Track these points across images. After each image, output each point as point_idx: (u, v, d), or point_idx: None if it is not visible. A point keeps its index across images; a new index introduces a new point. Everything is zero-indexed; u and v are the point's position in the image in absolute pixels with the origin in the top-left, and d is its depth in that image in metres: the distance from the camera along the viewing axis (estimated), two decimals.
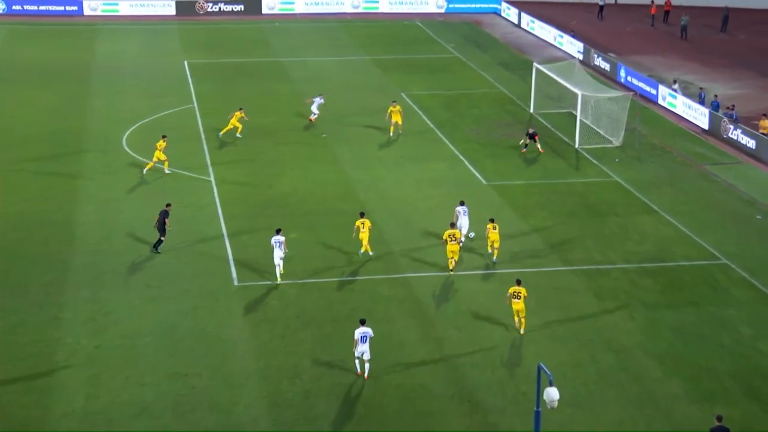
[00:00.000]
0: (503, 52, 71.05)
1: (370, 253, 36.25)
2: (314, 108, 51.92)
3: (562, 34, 72.52)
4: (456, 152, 48.64)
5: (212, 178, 44.33)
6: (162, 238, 36.47)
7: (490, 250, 36.41)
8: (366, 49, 70.68)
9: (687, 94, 57.88)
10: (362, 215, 36.53)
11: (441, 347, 30.72)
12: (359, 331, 28.89)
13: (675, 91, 57.37)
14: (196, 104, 55.87)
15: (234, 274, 35.10)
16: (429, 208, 40.97)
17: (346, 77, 62.84)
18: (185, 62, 65.60)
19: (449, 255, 35.28)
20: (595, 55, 66.69)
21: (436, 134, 51.21)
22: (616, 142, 50.06)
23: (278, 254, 34.18)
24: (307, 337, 31.13)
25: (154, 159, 44.21)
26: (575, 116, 51.11)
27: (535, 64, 56.81)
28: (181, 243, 37.36)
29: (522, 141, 48.55)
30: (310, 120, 51.97)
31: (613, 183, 45.11)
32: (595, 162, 47.73)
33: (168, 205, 37.21)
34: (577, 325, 32.23)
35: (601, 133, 50.78)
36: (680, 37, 76.03)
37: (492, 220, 36.70)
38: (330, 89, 58.07)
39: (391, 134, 50.05)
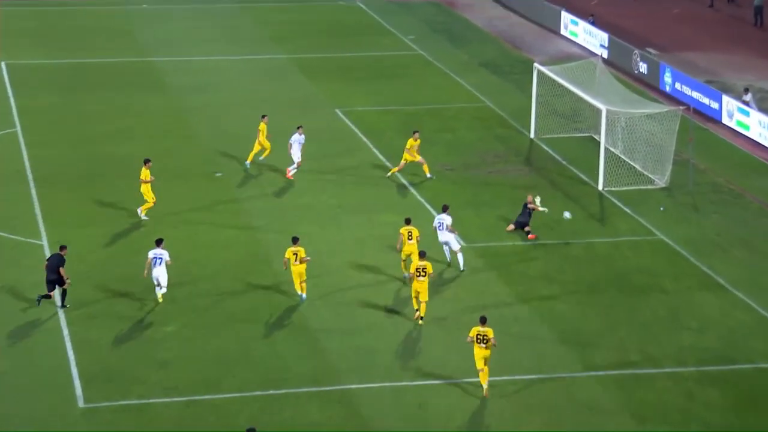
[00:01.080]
0: (489, 48, 71.69)
1: (303, 295, 39.27)
2: (295, 151, 49.83)
3: (577, 20, 73.42)
4: (419, 198, 48.77)
5: (45, 242, 44.01)
6: (53, 291, 38.41)
7: (406, 273, 38.86)
8: (282, 44, 70.94)
9: (765, 109, 58.70)
10: (295, 241, 38.86)
11: None
12: None
13: (747, 104, 58.13)
14: (19, 128, 55.67)
15: (78, 391, 34.71)
16: (376, 283, 40.99)
17: (252, 86, 62.94)
18: (2, 64, 65.44)
19: (414, 295, 37.53)
20: (630, 52, 67.53)
21: (389, 171, 51.34)
22: (660, 181, 50.54)
23: (158, 273, 38.70)
24: None
25: (148, 199, 45.77)
26: (598, 143, 51.56)
27: (536, 65, 57.34)
28: None
29: (537, 201, 45.85)
30: (288, 177, 50.30)
31: (656, 243, 45.47)
32: (628, 211, 48.12)
33: (62, 248, 38.72)
34: None
35: (638, 168, 51.26)
36: (753, 24, 77.30)
37: (408, 221, 39.92)
38: (228, 103, 57.98)
39: (428, 174, 50.36)
